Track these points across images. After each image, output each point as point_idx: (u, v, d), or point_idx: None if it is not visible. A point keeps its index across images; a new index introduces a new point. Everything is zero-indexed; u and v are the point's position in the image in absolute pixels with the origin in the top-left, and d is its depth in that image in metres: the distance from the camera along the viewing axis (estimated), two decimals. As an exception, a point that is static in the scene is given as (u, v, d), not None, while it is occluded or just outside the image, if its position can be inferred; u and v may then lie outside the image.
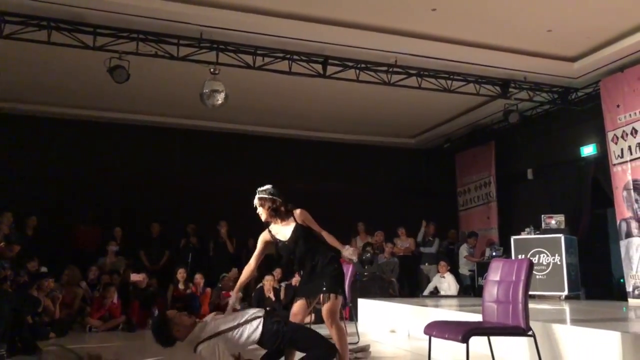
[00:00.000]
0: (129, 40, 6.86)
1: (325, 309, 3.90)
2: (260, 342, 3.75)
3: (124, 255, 9.31)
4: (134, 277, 8.26)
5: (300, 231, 4.04)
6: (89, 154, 10.08)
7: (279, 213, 4.08)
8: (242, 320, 3.81)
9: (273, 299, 8.50)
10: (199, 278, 8.56)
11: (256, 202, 4.14)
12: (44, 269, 7.77)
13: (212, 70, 7.24)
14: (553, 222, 8.27)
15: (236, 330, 3.75)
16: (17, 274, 6.35)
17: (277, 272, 8.83)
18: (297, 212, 4.08)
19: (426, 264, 9.94)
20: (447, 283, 9.03)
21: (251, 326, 3.77)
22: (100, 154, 10.16)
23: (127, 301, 7.96)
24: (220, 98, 7.42)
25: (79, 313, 7.82)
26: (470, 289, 9.54)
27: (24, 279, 6.54)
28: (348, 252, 3.92)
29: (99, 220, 9.70)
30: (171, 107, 9.82)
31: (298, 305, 4.05)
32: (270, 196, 4.09)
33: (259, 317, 3.82)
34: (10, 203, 8.55)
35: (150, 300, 8.09)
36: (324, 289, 3.91)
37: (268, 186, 4.16)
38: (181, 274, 8.53)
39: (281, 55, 7.46)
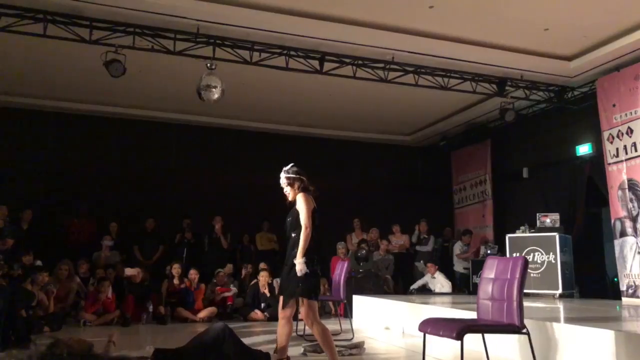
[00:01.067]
0: (125, 34, 6.83)
1: (302, 313, 3.97)
2: None
3: (118, 250, 9.29)
4: (128, 271, 8.24)
5: (293, 214, 4.05)
6: (84, 147, 10.04)
7: (308, 191, 4.07)
8: (131, 356, 3.78)
9: (268, 294, 8.50)
10: (193, 273, 8.54)
11: (284, 181, 4.12)
12: (38, 263, 7.75)
13: (208, 65, 7.21)
14: (548, 220, 8.29)
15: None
16: (11, 268, 6.32)
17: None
18: (300, 194, 4.04)
19: (421, 262, 9.95)
20: (439, 283, 9.05)
21: None
22: (95, 148, 10.13)
23: (121, 296, 7.94)
24: (216, 93, 7.38)
25: (73, 307, 7.81)
26: (464, 287, 9.58)
27: (18, 273, 6.51)
28: (298, 265, 3.85)
29: (93, 215, 9.67)
30: (167, 102, 9.79)
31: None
32: (298, 175, 4.08)
33: (146, 358, 3.77)
34: (5, 196, 8.52)
35: (144, 294, 8.07)
36: (297, 291, 3.91)
37: (292, 165, 4.15)
38: (176, 269, 8.51)
39: (278, 51, 7.44)
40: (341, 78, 7.96)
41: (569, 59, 7.95)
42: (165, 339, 4.69)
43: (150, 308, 7.95)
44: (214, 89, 7.36)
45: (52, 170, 9.66)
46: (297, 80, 8.32)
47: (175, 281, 8.48)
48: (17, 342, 5.45)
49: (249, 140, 10.98)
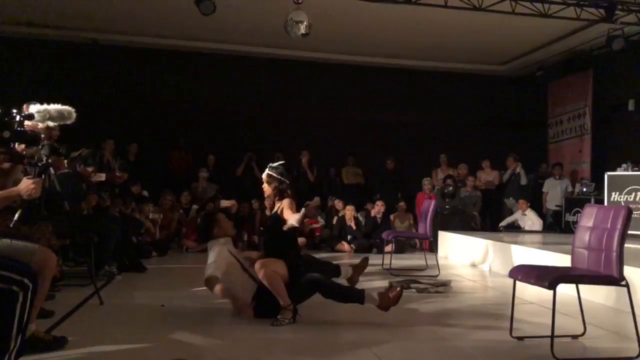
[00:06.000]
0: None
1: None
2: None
3: (214, 181, 9.79)
4: (224, 203, 8.72)
5: (273, 218, 4.09)
6: (179, 83, 10.47)
7: (283, 195, 4.12)
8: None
9: (354, 227, 8.75)
10: (283, 205, 8.89)
11: (264, 177, 4.21)
12: (145, 193, 8.39)
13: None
14: (654, 158, 7.74)
15: (242, 268, 3.93)
16: (125, 202, 6.90)
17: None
18: (285, 200, 4.08)
19: (510, 198, 9.69)
20: (530, 220, 8.81)
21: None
22: (188, 83, 10.54)
23: (219, 225, 8.45)
24: (303, 28, 7.41)
25: (176, 234, 8.46)
26: (555, 225, 9.28)
27: (132, 207, 7.09)
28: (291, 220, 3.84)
29: (190, 147, 10.19)
30: (256, 37, 9.86)
31: None
32: (279, 177, 4.12)
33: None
34: (110, 131, 9.15)
35: (240, 225, 8.56)
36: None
37: (280, 165, 4.20)
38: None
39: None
40: (432, 7, 7.62)
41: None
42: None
43: (245, 237, 8.46)
44: (300, 24, 7.37)
45: (151, 105, 10.21)
46: (385, 11, 8.06)
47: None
48: (130, 266, 6.05)
49: (335, 73, 10.90)
